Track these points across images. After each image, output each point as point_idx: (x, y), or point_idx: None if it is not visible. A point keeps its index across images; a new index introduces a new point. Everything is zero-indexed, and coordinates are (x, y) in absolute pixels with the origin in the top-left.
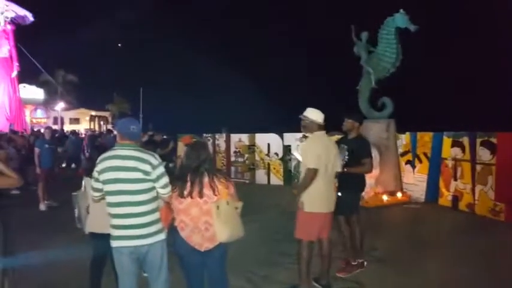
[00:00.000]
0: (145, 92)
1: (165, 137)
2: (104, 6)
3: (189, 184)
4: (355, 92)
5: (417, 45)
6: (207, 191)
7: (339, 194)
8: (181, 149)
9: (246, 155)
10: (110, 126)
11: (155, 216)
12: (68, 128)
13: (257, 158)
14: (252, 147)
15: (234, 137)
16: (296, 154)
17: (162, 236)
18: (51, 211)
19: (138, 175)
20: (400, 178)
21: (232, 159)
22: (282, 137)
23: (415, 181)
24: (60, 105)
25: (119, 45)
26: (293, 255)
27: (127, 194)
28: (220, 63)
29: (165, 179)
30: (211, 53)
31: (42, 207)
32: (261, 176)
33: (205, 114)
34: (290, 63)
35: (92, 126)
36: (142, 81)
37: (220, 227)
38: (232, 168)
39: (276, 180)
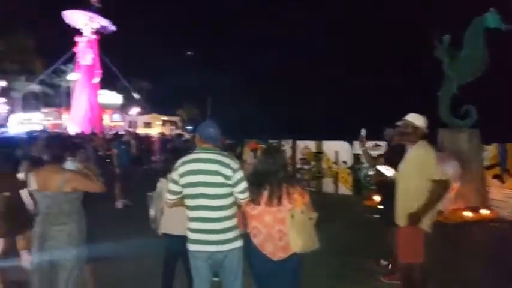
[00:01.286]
0: (213, 97)
1: (230, 141)
2: (174, 14)
3: (265, 190)
4: (435, 98)
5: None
6: (280, 199)
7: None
8: (247, 154)
9: (312, 163)
10: (179, 131)
11: (233, 222)
12: (140, 131)
13: (324, 165)
14: (318, 154)
15: (300, 144)
16: (382, 168)
17: (239, 243)
18: (127, 209)
19: (219, 179)
20: (484, 193)
21: (298, 166)
22: (351, 145)
23: (504, 197)
24: (135, 110)
25: (189, 52)
26: (365, 270)
27: (206, 198)
28: (287, 70)
29: (244, 184)
30: (277, 59)
31: (119, 205)
32: (328, 185)
33: (270, 120)
34: (359, 67)
35: (163, 131)
36: (210, 87)
37: (294, 236)
38: (298, 176)
39: (344, 189)
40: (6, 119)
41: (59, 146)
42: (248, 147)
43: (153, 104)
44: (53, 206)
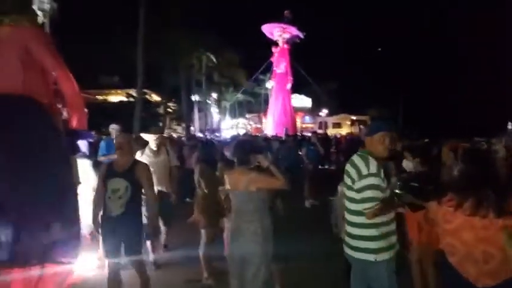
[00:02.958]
0: (406, 96)
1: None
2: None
3: (467, 201)
4: None
5: None
6: (490, 211)
7: None
8: (447, 155)
9: None
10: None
11: (374, 231)
12: (330, 132)
13: None
14: None
15: None
16: None
17: (384, 256)
18: (314, 209)
19: (349, 181)
20: None
21: None
22: None
23: None
24: (324, 111)
25: (379, 49)
26: None
27: (346, 200)
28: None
29: (367, 193)
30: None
31: (307, 204)
32: None
33: (475, 115)
34: None
35: (352, 130)
36: (401, 84)
37: None
38: None
39: None
40: (219, 124)
41: (242, 151)
42: (447, 147)
43: (343, 104)
44: (240, 205)
